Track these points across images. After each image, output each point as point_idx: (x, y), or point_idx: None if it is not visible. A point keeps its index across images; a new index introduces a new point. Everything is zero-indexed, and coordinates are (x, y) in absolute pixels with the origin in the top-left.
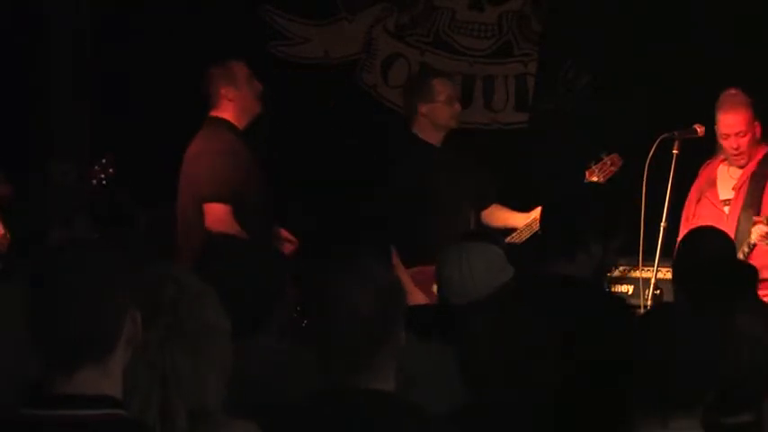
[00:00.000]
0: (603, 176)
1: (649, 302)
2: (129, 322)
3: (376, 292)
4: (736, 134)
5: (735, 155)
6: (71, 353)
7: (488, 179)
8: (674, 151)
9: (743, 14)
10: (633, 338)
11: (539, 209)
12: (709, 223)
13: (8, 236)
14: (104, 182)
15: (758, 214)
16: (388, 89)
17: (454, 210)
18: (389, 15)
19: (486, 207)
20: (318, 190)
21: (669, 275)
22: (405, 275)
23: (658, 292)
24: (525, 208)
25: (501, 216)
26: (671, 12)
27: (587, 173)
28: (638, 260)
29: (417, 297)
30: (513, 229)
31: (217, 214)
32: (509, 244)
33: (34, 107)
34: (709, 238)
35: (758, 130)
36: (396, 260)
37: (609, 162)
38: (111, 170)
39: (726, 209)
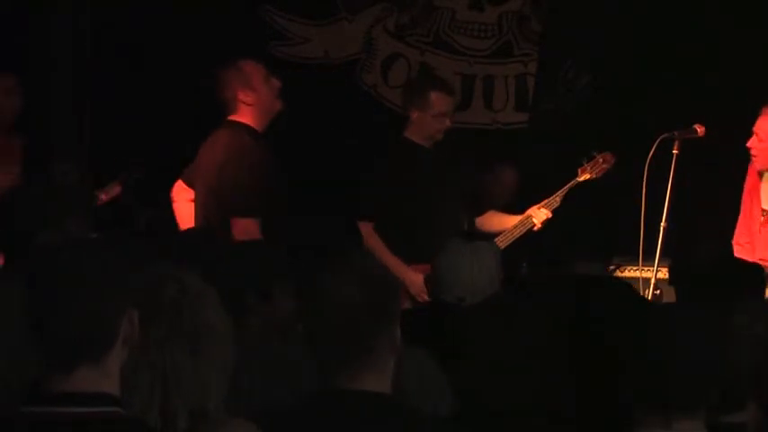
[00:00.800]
0: (596, 173)
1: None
2: (127, 321)
3: (369, 288)
4: (755, 134)
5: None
6: (69, 351)
7: (485, 183)
8: (674, 151)
9: (743, 14)
10: (633, 338)
11: (527, 212)
12: (747, 228)
13: None
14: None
15: None
16: (388, 89)
17: (443, 211)
18: (389, 15)
19: (481, 212)
20: (318, 190)
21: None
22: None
23: (658, 292)
24: (525, 208)
25: (497, 221)
26: (671, 12)
27: (579, 170)
28: (638, 260)
29: (416, 278)
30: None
31: (246, 228)
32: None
33: (34, 107)
34: (708, 239)
35: None
36: (383, 246)
37: (601, 160)
38: (139, 174)
39: (762, 218)
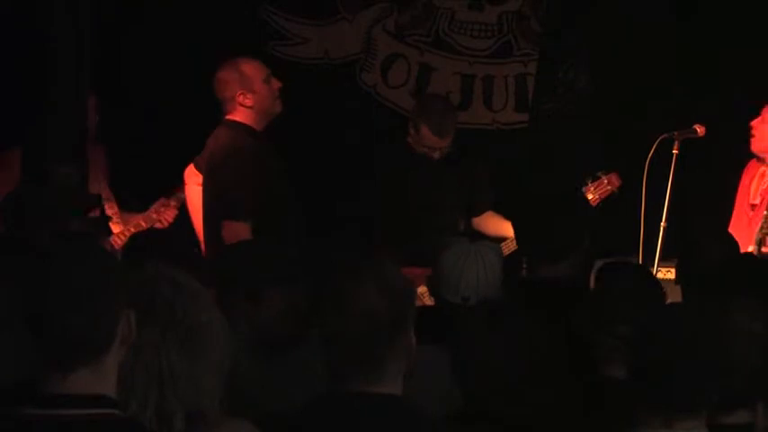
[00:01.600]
0: (600, 195)
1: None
2: (124, 322)
3: (390, 294)
4: (761, 115)
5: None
6: (66, 353)
7: (484, 185)
8: (674, 151)
9: (743, 14)
10: (634, 338)
11: None
12: (738, 223)
13: (126, 233)
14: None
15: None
16: (388, 89)
17: (441, 213)
18: (389, 15)
19: (479, 214)
20: (318, 190)
21: (669, 275)
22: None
23: None
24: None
25: (494, 224)
26: (671, 12)
27: (584, 190)
28: (639, 260)
29: None
30: (504, 238)
31: (236, 232)
32: None
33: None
34: (711, 237)
35: None
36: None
37: (606, 181)
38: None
39: (750, 213)
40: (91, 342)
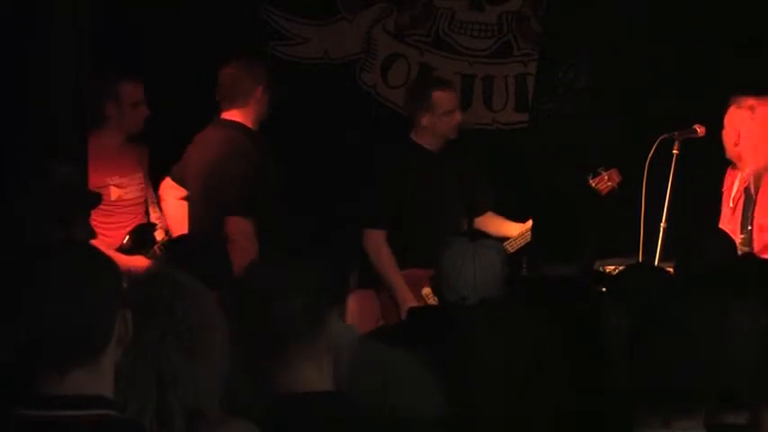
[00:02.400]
0: (601, 191)
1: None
2: (120, 322)
3: (297, 288)
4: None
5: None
6: (62, 353)
7: (484, 185)
8: (674, 151)
9: (743, 14)
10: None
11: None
12: (723, 227)
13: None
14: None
15: (750, 227)
16: (388, 89)
17: (445, 214)
18: (389, 15)
19: (480, 214)
20: (318, 190)
21: None
22: (398, 276)
23: None
24: (524, 208)
25: (495, 224)
26: (671, 11)
27: (588, 185)
28: (638, 260)
29: (409, 299)
30: (505, 238)
31: (240, 227)
32: None
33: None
34: (711, 237)
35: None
36: (390, 260)
37: (606, 177)
38: None
39: (730, 216)
40: (87, 342)
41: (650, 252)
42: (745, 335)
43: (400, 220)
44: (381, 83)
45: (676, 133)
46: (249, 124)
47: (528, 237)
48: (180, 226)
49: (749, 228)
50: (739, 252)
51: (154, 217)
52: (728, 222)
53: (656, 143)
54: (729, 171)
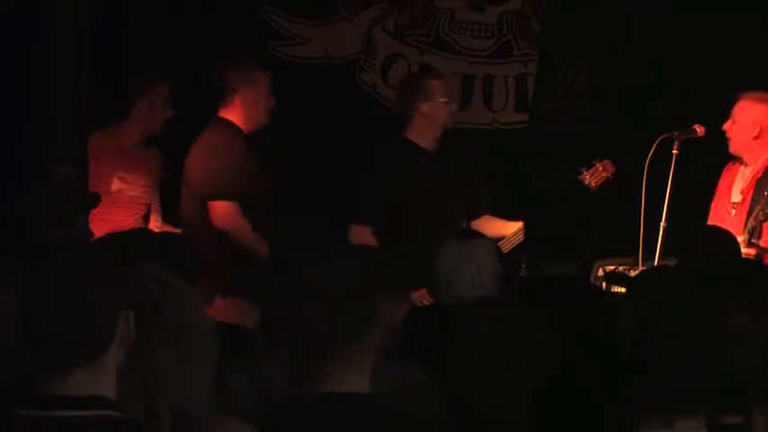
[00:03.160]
0: (595, 182)
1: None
2: (123, 322)
3: (350, 284)
4: (731, 117)
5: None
6: (66, 353)
7: (484, 188)
8: (674, 151)
9: (744, 14)
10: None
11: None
12: (717, 224)
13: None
14: None
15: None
16: (388, 89)
17: (444, 213)
18: (389, 15)
19: (476, 217)
20: (318, 190)
21: None
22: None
23: None
24: (524, 208)
25: (490, 225)
26: (671, 12)
27: (579, 179)
28: (638, 260)
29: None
30: (501, 239)
31: (223, 211)
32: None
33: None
34: (712, 236)
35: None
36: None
37: (601, 168)
38: None
39: (733, 212)
40: (90, 342)
41: (650, 252)
42: (746, 335)
43: (398, 220)
44: (381, 83)
45: (676, 133)
46: (240, 123)
47: (521, 236)
48: None
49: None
50: (746, 248)
51: (154, 225)
52: (729, 215)
53: (656, 143)
54: (729, 167)
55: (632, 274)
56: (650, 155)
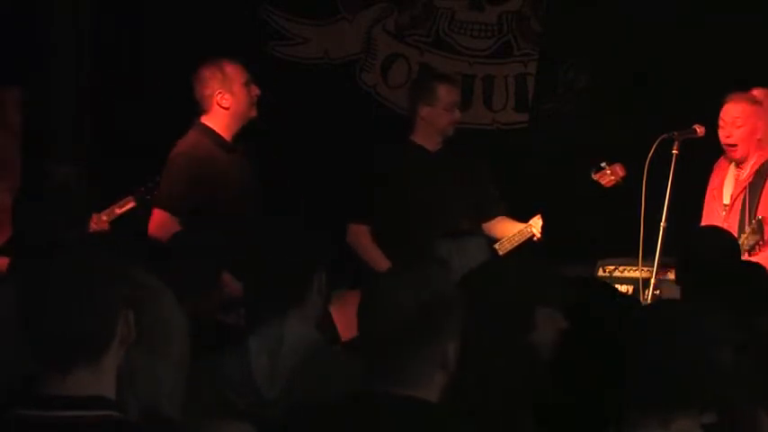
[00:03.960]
0: (604, 185)
1: (649, 302)
2: (123, 322)
3: (423, 296)
4: (732, 123)
5: (727, 146)
6: (66, 353)
7: (492, 189)
8: (674, 151)
9: (743, 14)
10: (633, 337)
11: (529, 222)
12: (710, 221)
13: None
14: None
15: (751, 223)
16: (388, 89)
17: (446, 214)
18: (389, 15)
19: (490, 218)
20: (318, 190)
21: (669, 275)
22: (384, 263)
23: (658, 292)
24: (524, 208)
25: (500, 228)
26: (671, 12)
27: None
28: (638, 260)
29: None
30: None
31: (161, 221)
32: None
33: (34, 107)
34: (711, 237)
35: (759, 133)
36: (373, 250)
37: (609, 172)
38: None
39: (723, 213)
40: (90, 342)
41: (650, 252)
42: (743, 335)
43: (399, 221)
44: (381, 83)
45: (676, 133)
46: (218, 129)
47: (517, 240)
48: None
49: (759, 217)
50: (746, 245)
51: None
52: (719, 216)
53: (656, 143)
54: (719, 166)
55: (632, 274)
56: (650, 155)
